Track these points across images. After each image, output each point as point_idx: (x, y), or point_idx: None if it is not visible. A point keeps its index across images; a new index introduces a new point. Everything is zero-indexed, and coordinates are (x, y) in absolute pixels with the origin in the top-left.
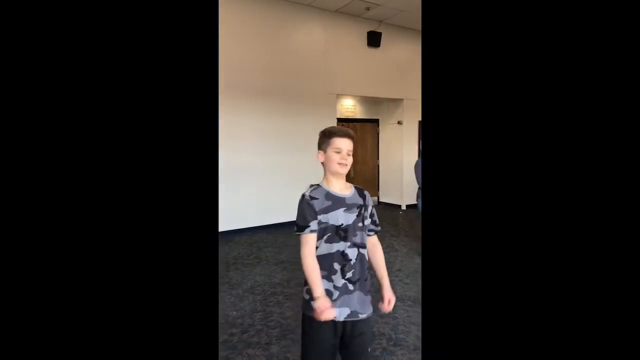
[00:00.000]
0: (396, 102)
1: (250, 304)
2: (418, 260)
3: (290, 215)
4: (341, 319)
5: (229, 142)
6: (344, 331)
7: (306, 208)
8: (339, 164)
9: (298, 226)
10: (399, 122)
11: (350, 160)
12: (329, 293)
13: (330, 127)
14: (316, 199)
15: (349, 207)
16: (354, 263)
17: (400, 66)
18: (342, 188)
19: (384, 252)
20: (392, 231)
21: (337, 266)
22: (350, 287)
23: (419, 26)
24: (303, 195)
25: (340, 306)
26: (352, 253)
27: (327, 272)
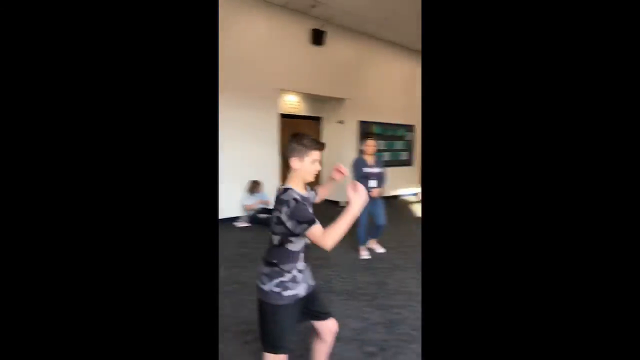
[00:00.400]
0: (339, 101)
1: None
2: (354, 255)
3: (230, 211)
4: (304, 294)
5: None
6: (307, 302)
7: (303, 207)
8: (315, 174)
9: (307, 222)
10: (340, 122)
11: None
12: (295, 279)
13: (307, 138)
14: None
15: (310, 206)
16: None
17: (344, 66)
18: (304, 190)
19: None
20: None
21: (302, 255)
22: (304, 267)
23: (363, 28)
24: (295, 199)
25: (302, 284)
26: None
27: (296, 263)
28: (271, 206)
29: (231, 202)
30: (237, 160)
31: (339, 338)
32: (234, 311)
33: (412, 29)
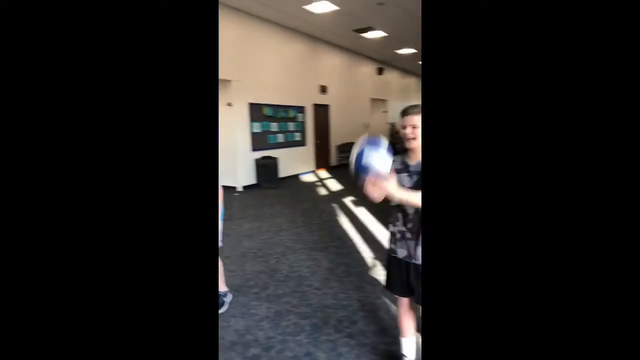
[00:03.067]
0: (225, 83)
1: None
2: (247, 244)
3: None
4: (401, 257)
5: None
6: (409, 275)
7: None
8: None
9: None
10: (229, 104)
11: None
12: (393, 236)
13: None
14: None
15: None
16: None
17: (227, 47)
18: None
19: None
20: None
21: (399, 216)
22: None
23: (248, 8)
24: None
25: (400, 248)
26: None
27: (394, 222)
28: None
29: None
30: None
31: (219, 345)
32: None
33: (298, 10)
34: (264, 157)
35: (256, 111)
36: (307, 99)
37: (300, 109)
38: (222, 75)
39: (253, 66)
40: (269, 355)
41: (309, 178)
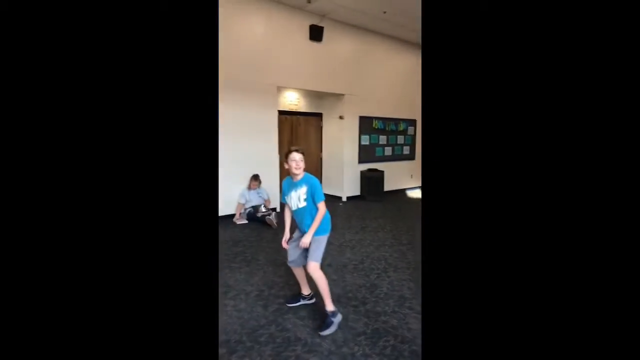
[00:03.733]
0: (338, 97)
1: None
2: (348, 255)
3: (230, 208)
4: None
5: None
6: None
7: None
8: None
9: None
10: (341, 117)
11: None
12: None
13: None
14: None
15: None
16: None
17: (342, 62)
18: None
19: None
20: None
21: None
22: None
23: (360, 22)
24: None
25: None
26: None
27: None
28: (271, 205)
29: (230, 199)
30: (237, 158)
31: (316, 352)
32: None
33: (412, 21)
34: (370, 170)
35: (366, 124)
36: (419, 112)
37: (412, 122)
38: (335, 89)
39: (365, 80)
40: None
41: (415, 194)
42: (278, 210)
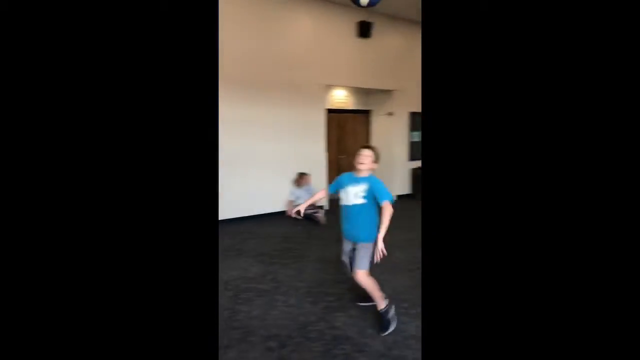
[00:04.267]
0: (387, 93)
1: (219, 300)
2: (398, 254)
3: (278, 205)
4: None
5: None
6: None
7: None
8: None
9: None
10: (390, 114)
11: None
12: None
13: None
14: None
15: None
16: None
17: (391, 57)
18: None
19: None
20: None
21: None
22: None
23: (410, 16)
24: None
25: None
26: None
27: None
28: (320, 203)
29: (280, 196)
30: (285, 156)
31: (367, 352)
32: (263, 312)
33: None
34: (421, 167)
35: (417, 120)
36: None
37: None
38: (384, 85)
39: (416, 74)
40: None
41: None
42: (326, 208)
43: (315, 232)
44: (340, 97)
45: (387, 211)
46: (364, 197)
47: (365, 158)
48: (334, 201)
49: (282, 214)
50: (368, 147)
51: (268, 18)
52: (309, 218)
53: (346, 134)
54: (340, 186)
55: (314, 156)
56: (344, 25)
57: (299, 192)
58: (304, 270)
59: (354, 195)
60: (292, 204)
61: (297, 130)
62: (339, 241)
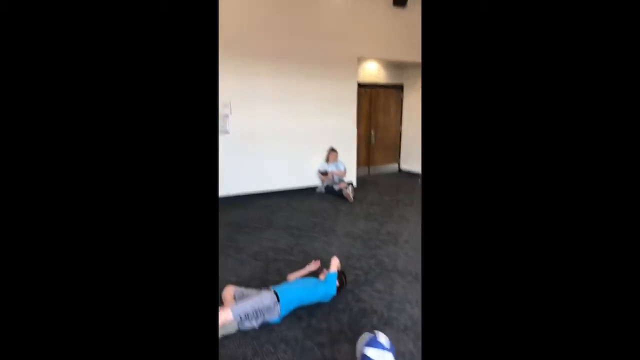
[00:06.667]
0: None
1: (250, 270)
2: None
3: (307, 181)
4: None
5: (246, 104)
6: None
7: None
8: None
9: None
10: None
11: None
12: None
13: None
14: None
15: None
16: None
17: None
18: None
19: (395, 222)
20: (406, 200)
21: None
22: None
23: None
24: None
25: None
26: None
27: None
28: (346, 178)
29: (308, 171)
30: (315, 131)
31: (392, 325)
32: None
33: None
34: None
35: None
36: None
37: None
38: (418, 58)
39: None
40: None
41: None
42: (354, 184)
43: (343, 208)
44: (372, 71)
45: None
46: None
47: None
48: (363, 178)
49: (311, 190)
50: None
51: None
52: (337, 194)
53: (377, 109)
54: None
55: (344, 131)
56: None
57: (329, 167)
58: (332, 243)
59: None
60: (323, 178)
61: (327, 104)
62: (366, 218)
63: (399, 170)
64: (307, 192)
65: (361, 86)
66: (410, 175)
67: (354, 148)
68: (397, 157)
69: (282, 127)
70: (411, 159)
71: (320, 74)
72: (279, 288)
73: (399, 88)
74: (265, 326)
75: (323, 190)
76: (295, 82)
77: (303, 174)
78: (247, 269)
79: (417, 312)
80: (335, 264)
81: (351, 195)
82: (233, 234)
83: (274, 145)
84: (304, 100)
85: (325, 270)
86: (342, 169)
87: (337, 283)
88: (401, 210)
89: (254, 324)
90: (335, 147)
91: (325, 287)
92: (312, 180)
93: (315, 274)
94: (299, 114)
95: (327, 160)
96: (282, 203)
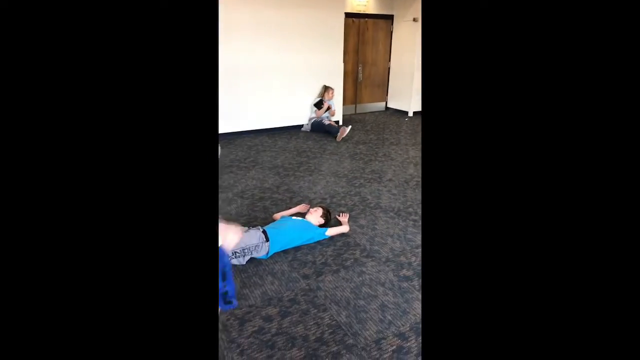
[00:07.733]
0: None
1: (237, 207)
2: (411, 171)
3: (291, 120)
4: None
5: (227, 38)
6: None
7: None
8: None
9: None
10: (415, 20)
11: None
12: None
13: None
14: None
15: None
16: None
17: None
18: None
19: (380, 161)
20: (392, 139)
21: None
22: None
23: None
24: None
25: None
26: None
27: None
28: (334, 116)
29: (292, 110)
30: (298, 67)
31: (374, 257)
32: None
33: None
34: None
35: None
36: None
37: None
38: None
39: None
40: (419, 282)
41: None
42: (341, 124)
43: (329, 148)
44: (361, 0)
45: None
46: None
47: None
48: (349, 116)
49: (296, 128)
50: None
51: None
52: (325, 129)
53: (365, 42)
54: None
55: (330, 66)
56: None
57: (330, 102)
58: (317, 182)
59: None
60: (319, 113)
61: (312, 37)
62: (352, 157)
63: (386, 107)
64: (292, 131)
65: (349, 16)
66: (396, 112)
67: (341, 84)
68: (384, 95)
69: (265, 63)
70: (399, 97)
71: (305, 3)
72: (270, 228)
73: (389, 19)
74: (253, 260)
75: (309, 129)
76: (278, 13)
77: (288, 113)
78: (234, 207)
79: (397, 245)
80: (340, 227)
81: (344, 135)
82: (219, 173)
83: (257, 82)
84: (285, 32)
85: (312, 210)
86: (333, 108)
87: (322, 220)
88: (387, 149)
89: (242, 261)
90: (327, 84)
91: (314, 234)
92: (297, 119)
93: (302, 215)
94: (280, 48)
95: (323, 96)
96: (266, 142)
